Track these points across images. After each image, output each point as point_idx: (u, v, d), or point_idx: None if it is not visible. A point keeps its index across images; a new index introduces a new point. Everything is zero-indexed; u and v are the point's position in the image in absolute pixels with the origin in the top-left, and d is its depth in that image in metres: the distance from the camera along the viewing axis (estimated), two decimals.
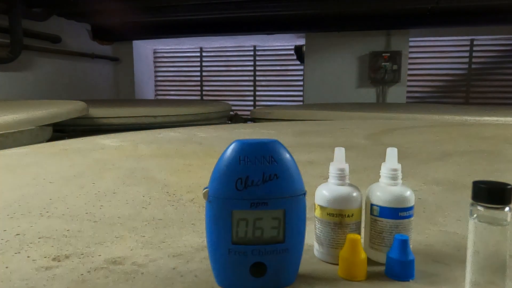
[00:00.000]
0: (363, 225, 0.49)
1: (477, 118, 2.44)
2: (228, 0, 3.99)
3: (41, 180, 0.89)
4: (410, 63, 4.96)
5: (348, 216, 0.47)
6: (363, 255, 0.44)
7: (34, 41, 4.10)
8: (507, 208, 0.37)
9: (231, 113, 4.11)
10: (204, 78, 6.12)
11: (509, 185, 0.37)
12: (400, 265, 0.43)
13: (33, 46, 4.05)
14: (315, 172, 0.98)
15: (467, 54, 4.99)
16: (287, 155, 0.42)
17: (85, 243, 0.55)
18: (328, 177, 0.49)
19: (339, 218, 0.47)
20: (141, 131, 1.74)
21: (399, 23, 4.42)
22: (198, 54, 6.10)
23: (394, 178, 0.47)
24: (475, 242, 0.39)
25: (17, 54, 3.70)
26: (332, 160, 0.49)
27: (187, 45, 5.98)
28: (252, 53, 5.88)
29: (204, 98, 6.16)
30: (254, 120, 3.20)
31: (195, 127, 1.91)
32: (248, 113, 3.69)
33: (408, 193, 0.47)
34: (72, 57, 4.78)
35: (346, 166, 0.48)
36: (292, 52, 5.45)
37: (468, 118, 2.46)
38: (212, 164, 0.42)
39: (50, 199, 0.75)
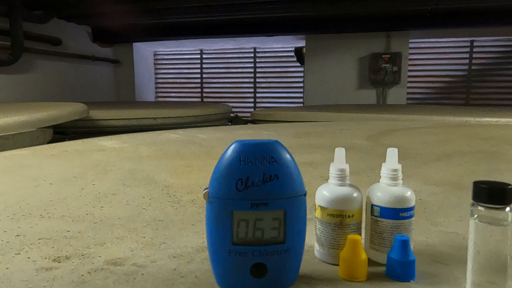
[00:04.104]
0: (363, 225, 0.49)
1: (478, 119, 2.44)
2: (228, 2, 4.00)
3: (42, 182, 0.89)
4: (410, 65, 4.96)
5: (349, 216, 0.47)
6: (363, 256, 0.43)
7: (34, 44, 4.10)
8: (507, 208, 0.37)
9: (232, 114, 4.11)
10: (204, 80, 6.13)
11: (509, 185, 0.37)
12: (401, 265, 0.43)
13: (33, 49, 4.06)
14: (315, 172, 0.98)
15: (467, 55, 4.99)
16: (288, 156, 0.42)
17: (85, 244, 0.55)
18: (329, 178, 0.49)
19: (339, 218, 0.47)
20: (142, 133, 1.74)
21: (399, 24, 4.42)
22: (199, 56, 6.10)
23: (394, 178, 0.47)
24: (475, 242, 0.38)
25: (18, 57, 3.71)
26: (333, 161, 0.49)
27: (188, 47, 5.99)
28: (252, 55, 5.89)
29: (205, 100, 6.16)
30: (254, 121, 3.20)
31: (195, 129, 1.92)
32: (249, 114, 3.69)
33: (409, 193, 0.47)
34: (72, 60, 4.79)
35: (346, 167, 0.48)
36: (292, 54, 5.45)
37: (469, 119, 2.46)
38: (213, 165, 0.42)
39: (51, 200, 0.75)
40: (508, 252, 0.38)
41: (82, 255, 0.51)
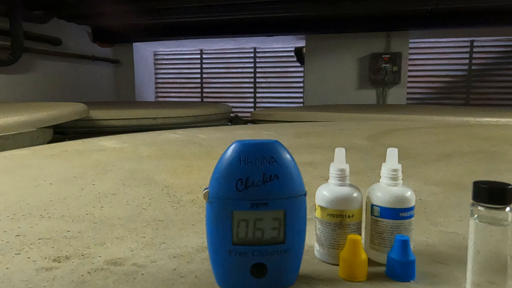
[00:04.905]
0: (363, 225, 0.49)
1: (478, 119, 2.44)
2: (228, 2, 4.00)
3: (42, 182, 0.89)
4: (410, 65, 4.96)
5: (349, 216, 0.47)
6: (363, 256, 0.43)
7: (34, 44, 4.10)
8: (507, 208, 0.37)
9: (232, 114, 4.11)
10: (204, 80, 6.13)
11: (509, 185, 0.37)
12: (401, 265, 0.43)
13: (33, 49, 4.06)
14: (315, 172, 0.98)
15: (467, 55, 4.99)
16: (288, 156, 0.42)
17: (85, 244, 0.55)
18: (329, 178, 0.49)
19: (339, 218, 0.47)
20: (142, 133, 1.74)
21: (399, 24, 4.42)
22: (199, 56, 6.10)
23: (394, 178, 0.47)
24: (475, 242, 0.38)
25: (18, 57, 3.71)
26: (333, 161, 0.49)
27: (188, 47, 5.99)
28: (252, 55, 5.89)
29: (205, 100, 6.16)
30: (254, 121, 3.20)
31: (195, 129, 1.92)
32: (249, 114, 3.69)
33: (409, 193, 0.47)
34: (72, 60, 4.79)
35: (346, 167, 0.48)
36: (292, 54, 5.45)
37: (469, 119, 2.46)
38: (213, 165, 0.42)
39: (51, 200, 0.75)
40: (508, 252, 0.38)
41: (82, 255, 0.51)
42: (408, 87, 4.98)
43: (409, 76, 4.98)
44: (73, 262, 0.49)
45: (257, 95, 5.91)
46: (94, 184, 0.87)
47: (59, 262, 0.49)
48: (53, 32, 4.41)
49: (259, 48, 5.83)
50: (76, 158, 1.16)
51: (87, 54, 5.03)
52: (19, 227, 0.61)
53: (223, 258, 0.41)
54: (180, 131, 1.80)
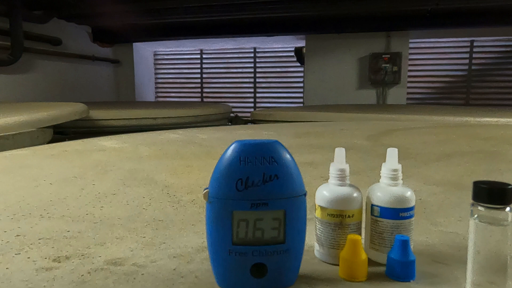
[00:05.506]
0: (363, 225, 0.49)
1: (478, 119, 2.44)
2: (228, 2, 4.00)
3: (42, 182, 0.89)
4: (410, 65, 4.96)
5: (349, 216, 0.47)
6: (363, 256, 0.43)
7: (34, 44, 4.10)
8: (507, 208, 0.37)
9: (232, 114, 4.11)
10: (204, 80, 6.13)
11: (509, 185, 0.37)
12: (401, 265, 0.43)
13: (33, 49, 4.06)
14: (315, 172, 0.98)
15: (467, 55, 4.99)
16: (288, 156, 0.42)
17: (85, 244, 0.55)
18: (329, 178, 0.49)
19: (339, 218, 0.47)
20: (142, 133, 1.74)
21: (399, 24, 4.42)
22: (199, 56, 6.10)
23: (394, 178, 0.47)
24: (475, 242, 0.38)
25: (18, 57, 3.71)
26: (333, 161, 0.49)
27: (188, 47, 5.99)
28: (252, 55, 5.89)
29: (205, 100, 6.16)
30: (254, 121, 3.20)
31: (195, 129, 1.92)
32: (249, 114, 3.70)
33: (409, 193, 0.47)
34: (72, 60, 4.79)
35: (346, 167, 0.48)
36: (292, 54, 5.45)
37: (469, 119, 2.46)
38: (213, 165, 0.42)
39: (51, 200, 0.75)
40: (508, 252, 0.38)
41: (82, 255, 0.51)
42: (408, 87, 4.98)
43: (409, 76, 4.98)
44: (73, 262, 0.49)
45: (257, 95, 5.91)
46: (94, 184, 0.87)
47: (59, 262, 0.49)
48: (53, 32, 4.41)
49: (259, 48, 5.83)
50: (76, 158, 1.16)
51: (87, 54, 5.03)
52: (19, 227, 0.61)
53: (223, 258, 0.41)
54: (180, 131, 1.80)
